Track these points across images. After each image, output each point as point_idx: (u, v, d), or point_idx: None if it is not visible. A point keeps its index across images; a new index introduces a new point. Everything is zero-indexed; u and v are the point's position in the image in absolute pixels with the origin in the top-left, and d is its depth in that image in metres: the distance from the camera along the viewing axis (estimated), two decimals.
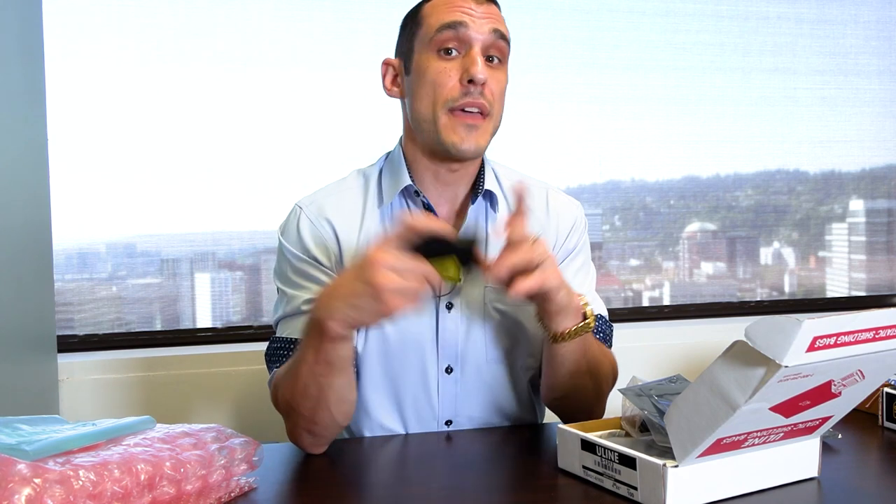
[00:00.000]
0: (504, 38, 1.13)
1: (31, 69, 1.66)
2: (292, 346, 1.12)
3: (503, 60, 1.15)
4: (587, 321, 1.07)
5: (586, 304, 1.08)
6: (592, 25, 2.22)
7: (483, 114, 1.12)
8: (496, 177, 1.25)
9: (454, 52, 1.11)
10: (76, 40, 1.91)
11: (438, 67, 1.11)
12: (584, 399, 1.16)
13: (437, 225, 0.95)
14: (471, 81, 1.09)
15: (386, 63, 1.21)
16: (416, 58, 1.14)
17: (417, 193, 1.18)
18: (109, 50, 1.94)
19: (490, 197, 1.22)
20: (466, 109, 1.11)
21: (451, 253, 0.94)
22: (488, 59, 1.13)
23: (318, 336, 0.96)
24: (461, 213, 1.22)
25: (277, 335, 1.17)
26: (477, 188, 1.21)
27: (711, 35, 2.31)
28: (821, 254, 2.48)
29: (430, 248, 0.92)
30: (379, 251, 0.90)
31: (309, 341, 0.98)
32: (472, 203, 1.20)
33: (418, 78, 1.13)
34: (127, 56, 1.95)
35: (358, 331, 1.14)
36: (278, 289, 1.20)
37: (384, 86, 1.21)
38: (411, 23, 1.17)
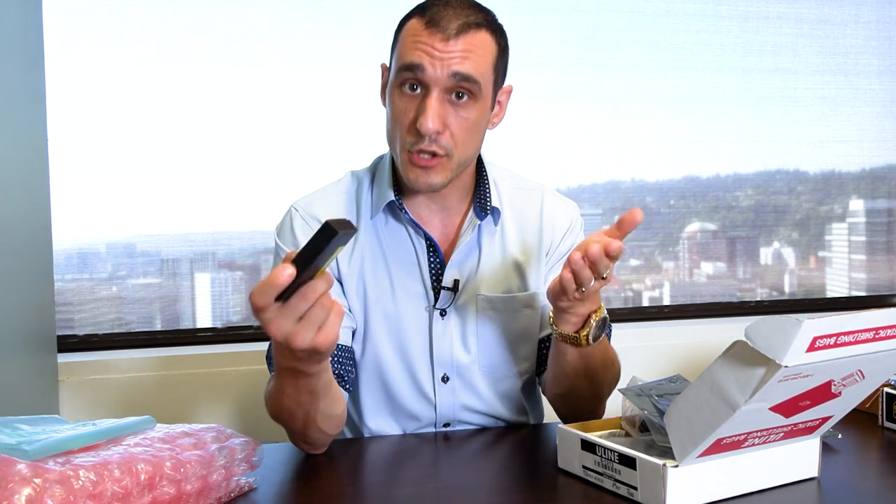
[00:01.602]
0: (468, 79, 1.06)
1: (31, 69, 1.66)
2: None
3: (473, 95, 1.08)
4: (585, 331, 1.05)
5: (596, 318, 1.05)
6: (592, 25, 2.22)
7: (437, 156, 1.09)
8: (496, 186, 1.23)
9: (418, 89, 1.08)
10: (76, 40, 1.91)
11: (400, 105, 1.09)
12: (580, 398, 1.16)
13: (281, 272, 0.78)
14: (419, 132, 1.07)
15: (382, 67, 1.18)
16: (390, 81, 1.13)
17: (401, 208, 1.17)
18: (109, 50, 1.93)
19: (492, 211, 1.20)
20: (420, 154, 1.08)
21: (325, 253, 0.80)
22: (458, 95, 1.08)
23: (292, 373, 0.91)
24: (458, 228, 1.20)
25: None
26: (482, 203, 1.19)
27: (711, 35, 2.31)
28: (821, 254, 2.48)
29: (305, 263, 0.79)
30: (253, 301, 0.80)
31: (285, 377, 0.94)
32: (481, 220, 1.18)
33: (388, 105, 1.13)
34: (127, 56, 1.95)
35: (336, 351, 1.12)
36: None
37: (380, 91, 1.19)
38: (396, 37, 1.14)
